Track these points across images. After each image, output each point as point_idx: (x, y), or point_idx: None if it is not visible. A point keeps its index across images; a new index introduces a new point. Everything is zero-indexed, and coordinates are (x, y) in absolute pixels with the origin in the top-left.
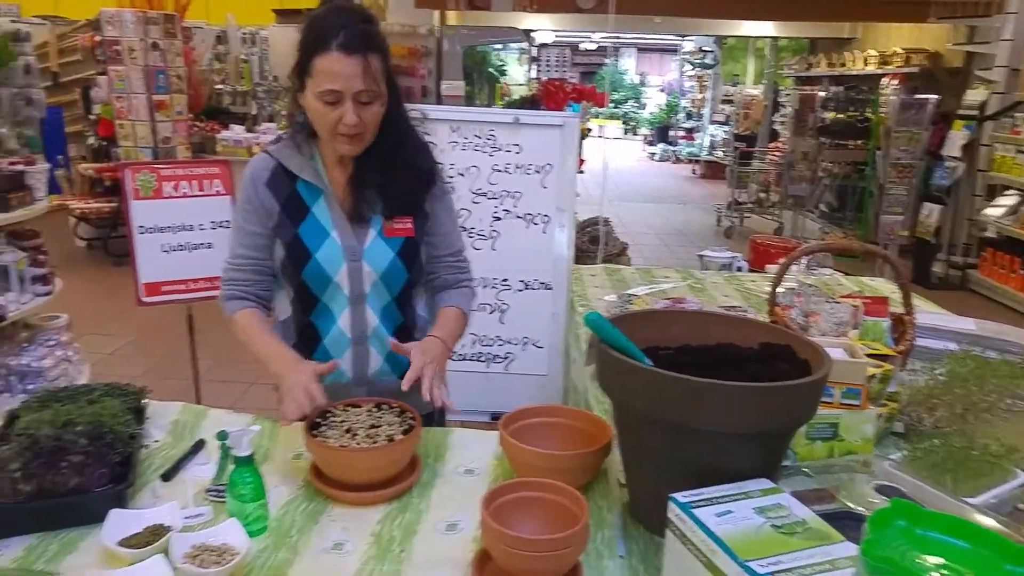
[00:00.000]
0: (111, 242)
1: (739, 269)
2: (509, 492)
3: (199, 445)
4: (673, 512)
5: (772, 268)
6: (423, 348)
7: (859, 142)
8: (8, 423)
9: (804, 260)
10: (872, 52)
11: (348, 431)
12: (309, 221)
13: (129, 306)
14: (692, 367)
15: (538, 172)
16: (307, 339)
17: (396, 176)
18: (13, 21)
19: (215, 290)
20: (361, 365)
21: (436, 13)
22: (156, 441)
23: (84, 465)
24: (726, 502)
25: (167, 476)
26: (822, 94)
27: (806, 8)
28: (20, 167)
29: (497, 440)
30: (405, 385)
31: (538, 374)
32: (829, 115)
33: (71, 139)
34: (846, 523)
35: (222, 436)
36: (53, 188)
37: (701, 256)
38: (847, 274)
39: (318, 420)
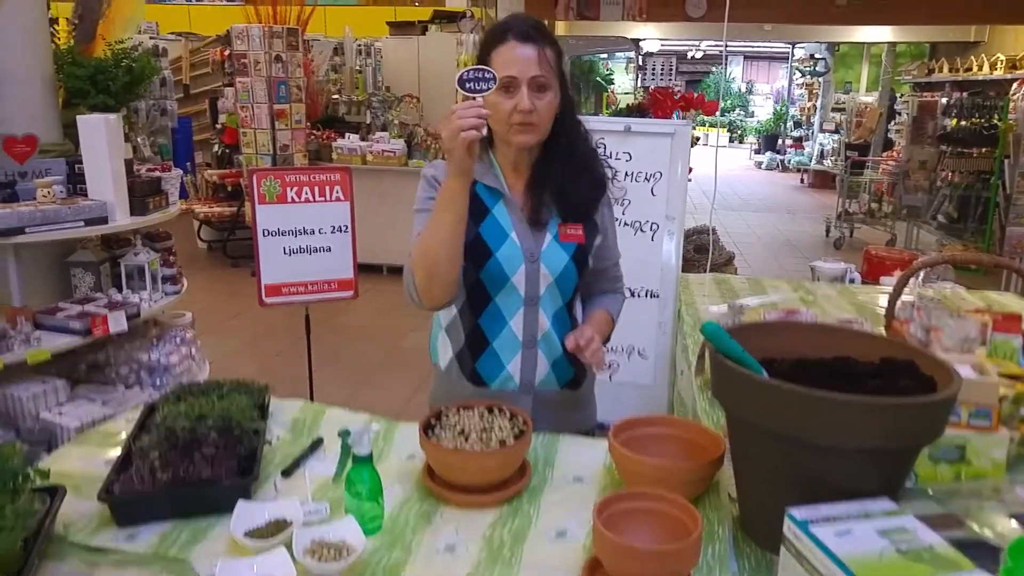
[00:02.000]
0: (230, 244)
1: (852, 281)
2: (621, 501)
3: (317, 443)
4: (789, 529)
5: (887, 280)
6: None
7: (984, 150)
8: (147, 414)
9: (922, 272)
10: (1000, 56)
11: (461, 432)
12: (489, 221)
13: (245, 306)
14: (808, 380)
15: (647, 180)
16: (475, 343)
17: (572, 181)
18: (152, 38)
19: (332, 292)
20: (529, 372)
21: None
22: (278, 437)
23: (214, 457)
24: (846, 521)
25: (287, 472)
26: (944, 100)
27: (929, 11)
28: (157, 173)
29: (606, 449)
30: (569, 344)
31: (643, 384)
32: (951, 122)
33: (198, 147)
34: (976, 551)
35: (344, 434)
36: (181, 193)
37: (812, 267)
38: (969, 288)
39: (432, 421)
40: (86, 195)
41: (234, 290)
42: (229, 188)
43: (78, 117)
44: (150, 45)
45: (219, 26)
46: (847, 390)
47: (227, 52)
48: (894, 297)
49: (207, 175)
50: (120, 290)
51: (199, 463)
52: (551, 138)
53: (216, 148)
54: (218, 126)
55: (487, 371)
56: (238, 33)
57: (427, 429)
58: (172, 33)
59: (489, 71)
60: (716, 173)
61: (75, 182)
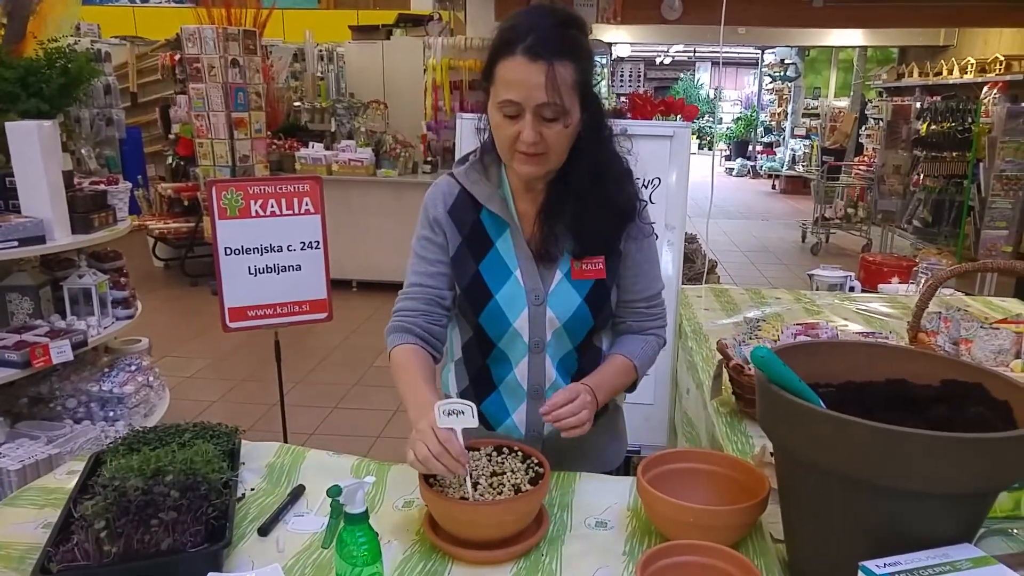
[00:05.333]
0: (188, 262)
1: (852, 289)
2: (667, 555)
3: (298, 492)
4: None
5: (885, 287)
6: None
7: (956, 154)
8: (93, 468)
9: (922, 279)
10: (971, 59)
11: (468, 478)
12: (492, 257)
13: (207, 327)
14: (860, 407)
15: (646, 187)
16: (481, 384)
17: (589, 212)
18: (93, 41)
19: (304, 314)
20: (535, 421)
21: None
22: (252, 489)
23: (177, 522)
24: (931, 574)
25: (265, 530)
26: (917, 105)
27: (901, 14)
28: (102, 187)
29: (628, 487)
30: (542, 411)
31: (644, 403)
32: (923, 126)
33: (150, 159)
34: None
35: (334, 492)
36: (133, 208)
37: (811, 275)
38: (968, 294)
39: None
40: (19, 211)
41: (195, 310)
42: (186, 202)
43: (7, 124)
44: (90, 48)
45: (167, 30)
46: (907, 418)
47: (178, 57)
48: (920, 308)
49: (161, 189)
50: (64, 316)
51: (156, 531)
52: (571, 158)
53: (170, 160)
54: (171, 136)
55: (492, 415)
56: (189, 35)
57: (428, 476)
58: (116, 37)
59: (468, 406)
60: (713, 179)
61: (6, 197)
